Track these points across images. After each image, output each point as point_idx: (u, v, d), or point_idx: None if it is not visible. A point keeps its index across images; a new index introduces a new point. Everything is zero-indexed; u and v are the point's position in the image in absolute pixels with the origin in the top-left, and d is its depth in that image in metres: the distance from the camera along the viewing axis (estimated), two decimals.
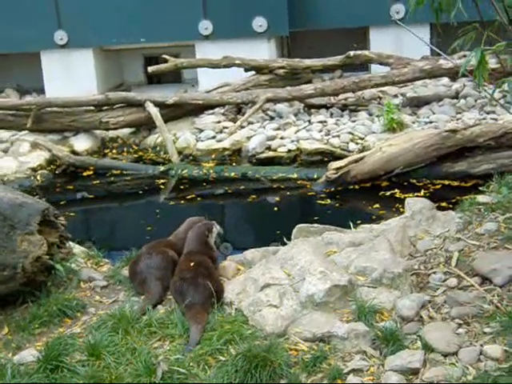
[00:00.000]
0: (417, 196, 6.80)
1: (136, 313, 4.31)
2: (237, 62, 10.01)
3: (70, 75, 12.01)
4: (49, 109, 9.58)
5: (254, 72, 10.25)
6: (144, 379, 3.61)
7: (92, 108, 9.63)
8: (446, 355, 3.69)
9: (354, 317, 4.04)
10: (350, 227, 5.42)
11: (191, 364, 3.81)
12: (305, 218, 6.36)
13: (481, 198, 5.61)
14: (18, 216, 4.50)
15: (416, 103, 9.40)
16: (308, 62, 10.07)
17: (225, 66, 10.14)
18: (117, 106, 9.64)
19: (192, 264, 4.51)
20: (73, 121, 9.56)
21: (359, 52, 9.76)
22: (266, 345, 3.79)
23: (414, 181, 7.24)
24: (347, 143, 8.45)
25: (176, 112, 9.64)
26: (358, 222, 5.78)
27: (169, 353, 3.97)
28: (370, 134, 8.59)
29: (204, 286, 4.32)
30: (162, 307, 4.53)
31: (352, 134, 8.61)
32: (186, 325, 4.14)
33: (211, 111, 9.87)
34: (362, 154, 7.24)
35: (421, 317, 4.04)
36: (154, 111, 9.15)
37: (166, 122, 9.46)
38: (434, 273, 4.57)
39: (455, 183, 7.07)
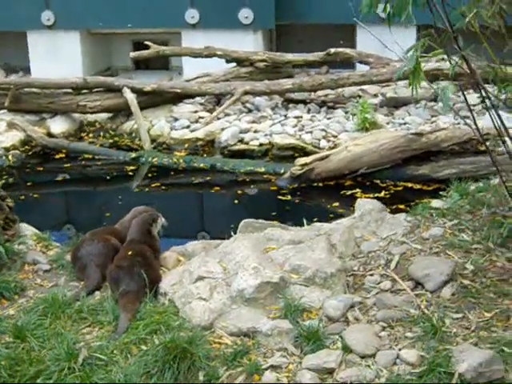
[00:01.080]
0: (377, 197, 6.81)
1: (69, 298, 4.36)
2: (218, 52, 10.03)
3: (56, 56, 12.02)
4: (27, 89, 9.60)
5: (235, 64, 10.26)
6: (63, 363, 3.65)
7: (71, 91, 9.64)
8: (363, 357, 3.73)
9: (282, 314, 4.09)
10: (303, 224, 5.47)
11: (115, 351, 3.85)
12: (262, 212, 6.41)
13: (434, 203, 5.64)
14: None
15: (394, 104, 9.42)
16: (289, 56, 10.09)
17: (206, 56, 10.16)
18: (95, 90, 9.66)
19: (130, 253, 4.55)
20: (50, 102, 9.58)
21: (340, 49, 9.79)
22: (189, 337, 3.84)
23: (378, 181, 7.27)
24: (319, 140, 8.47)
25: (154, 99, 9.66)
26: (315, 219, 5.81)
27: (96, 339, 4.03)
28: (343, 132, 8.61)
29: (139, 275, 4.36)
30: (100, 294, 4.58)
31: (325, 131, 8.63)
32: (117, 312, 4.19)
33: (191, 100, 9.89)
34: (327, 152, 7.28)
35: (347, 318, 4.09)
36: (131, 97, 9.17)
37: (144, 108, 9.50)
38: (371, 275, 4.61)
39: (418, 186, 7.11)
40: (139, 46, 13.05)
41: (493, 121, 4.42)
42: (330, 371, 3.64)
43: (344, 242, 5.01)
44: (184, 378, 3.66)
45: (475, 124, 4.39)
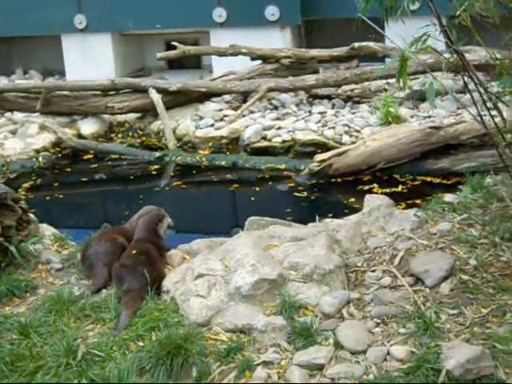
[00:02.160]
0: (394, 192, 6.84)
1: (75, 296, 4.49)
2: (243, 50, 10.10)
3: (89, 59, 12.27)
4: (59, 92, 9.83)
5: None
6: (62, 359, 3.77)
7: (99, 93, 9.84)
8: (354, 353, 3.76)
9: (278, 311, 4.14)
10: (315, 221, 5.50)
11: (113, 348, 3.97)
12: (277, 209, 6.46)
13: (447, 197, 5.61)
14: None
15: (420, 96, 9.33)
16: (314, 52, 10.10)
17: (231, 55, 10.25)
18: (123, 91, 9.84)
19: (134, 252, 4.66)
20: (80, 105, 9.80)
21: (364, 43, 9.74)
22: (184, 333, 3.92)
23: (397, 176, 7.24)
24: (341, 135, 8.47)
25: (181, 99, 9.79)
26: (330, 215, 5.84)
27: (97, 336, 4.15)
28: (366, 126, 8.59)
29: (142, 274, 4.47)
30: (107, 292, 4.70)
31: (348, 126, 8.63)
32: (119, 310, 4.30)
33: (218, 99, 9.98)
34: (345, 148, 7.28)
35: (342, 314, 4.11)
36: (156, 97, 9.31)
37: (171, 108, 9.65)
38: (373, 271, 4.62)
39: (437, 180, 7.05)
40: (172, 45, 13.25)
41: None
42: (320, 367, 3.68)
43: (349, 238, 5.04)
44: (177, 373, 3.75)
45: (500, 115, 4.36)
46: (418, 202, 6.40)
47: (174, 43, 10.65)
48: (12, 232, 4.97)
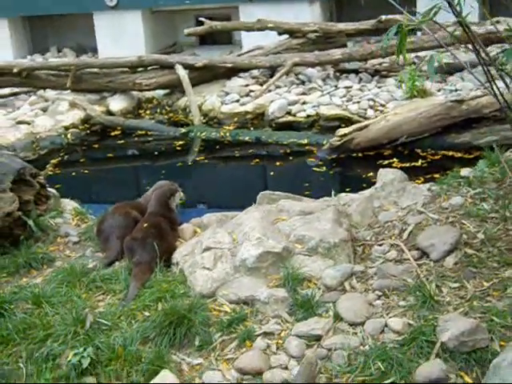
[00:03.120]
0: (413, 166, 6.82)
1: (87, 268, 4.63)
2: (269, 25, 10.10)
3: (120, 36, 12.40)
4: (88, 70, 9.98)
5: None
6: (70, 328, 3.91)
7: (128, 69, 9.96)
8: (352, 325, 3.82)
9: (281, 283, 4.21)
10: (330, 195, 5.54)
11: (121, 317, 4.10)
12: (295, 184, 6.51)
13: (463, 172, 5.59)
14: None
15: (448, 70, 9.22)
16: (340, 26, 10.04)
17: (258, 29, 10.25)
18: (151, 67, 9.94)
19: (145, 225, 4.77)
20: (109, 82, 9.93)
21: (390, 16, 9.64)
22: (188, 304, 4.03)
23: (419, 151, 7.21)
24: (365, 110, 8.45)
25: (207, 75, 9.85)
26: (347, 189, 5.88)
27: (107, 306, 4.28)
28: (391, 101, 8.55)
29: (152, 247, 4.58)
30: (119, 264, 4.83)
31: (374, 100, 8.59)
32: (129, 281, 4.43)
33: (245, 74, 10.01)
34: (366, 122, 7.27)
35: (344, 287, 4.17)
36: (183, 73, 9.39)
37: (198, 84, 9.74)
38: (381, 245, 4.66)
39: (458, 154, 7.00)
40: (201, 22, 13.29)
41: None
42: (318, 338, 3.75)
43: (360, 212, 5.07)
44: (180, 342, 3.86)
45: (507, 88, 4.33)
46: (436, 176, 6.38)
47: (201, 19, 10.69)
48: (31, 206, 5.13)
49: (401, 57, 3.99)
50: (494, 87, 4.48)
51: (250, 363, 3.61)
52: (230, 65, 9.65)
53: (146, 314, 4.09)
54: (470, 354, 3.46)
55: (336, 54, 9.40)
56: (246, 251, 4.34)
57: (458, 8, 4.42)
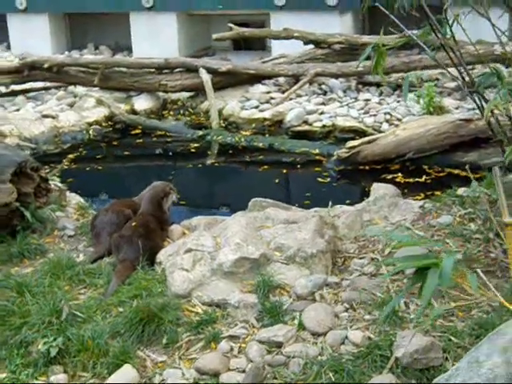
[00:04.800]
0: (417, 182, 6.85)
1: (74, 261, 4.80)
2: (295, 34, 10.20)
3: (155, 37, 12.60)
4: (116, 68, 10.21)
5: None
6: (46, 317, 4.06)
7: (154, 70, 10.17)
8: (314, 334, 3.91)
9: (254, 289, 4.31)
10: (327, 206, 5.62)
11: (97, 311, 4.25)
12: (296, 193, 6.60)
13: (460, 191, 5.63)
14: None
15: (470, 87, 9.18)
16: (365, 38, 10.07)
17: (284, 38, 10.36)
18: (176, 70, 10.12)
19: (134, 224, 4.92)
20: (135, 81, 10.14)
21: (415, 32, 9.62)
22: (161, 303, 4.16)
23: (426, 167, 7.22)
24: (381, 123, 8.49)
25: (231, 80, 9.98)
26: (347, 202, 5.95)
27: (87, 299, 4.44)
28: (408, 115, 8.57)
29: (137, 245, 4.73)
30: (108, 259, 4.99)
31: (390, 114, 8.63)
32: (110, 276, 4.58)
33: (268, 81, 10.12)
34: (375, 136, 7.32)
35: (314, 297, 4.25)
36: (206, 77, 9.55)
37: (222, 88, 9.89)
38: (361, 258, 4.74)
39: (464, 173, 6.99)
40: (238, 26, 13.43)
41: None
42: (279, 345, 3.84)
43: (348, 224, 5.15)
44: (148, 339, 3.99)
45: None
46: (437, 193, 6.40)
47: (229, 25, 10.84)
48: (30, 199, 5.31)
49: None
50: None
51: (208, 364, 3.72)
52: (252, 71, 9.78)
53: (121, 309, 4.24)
54: (423, 372, 3.52)
55: (359, 66, 9.42)
56: (224, 256, 4.45)
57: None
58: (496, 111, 4.68)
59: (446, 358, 3.58)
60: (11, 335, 4.00)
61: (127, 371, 3.70)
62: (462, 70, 4.43)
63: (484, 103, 4.38)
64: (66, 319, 4.08)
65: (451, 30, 4.68)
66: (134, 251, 4.73)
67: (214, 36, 10.77)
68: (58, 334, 3.91)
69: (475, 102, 4.47)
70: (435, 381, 3.07)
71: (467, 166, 5.00)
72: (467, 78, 4.61)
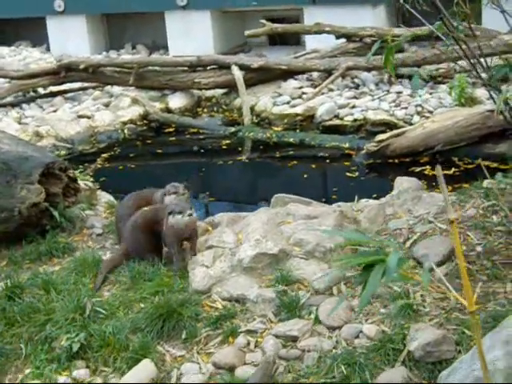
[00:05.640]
0: (445, 175, 6.79)
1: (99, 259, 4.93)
2: (327, 28, 10.17)
3: (190, 35, 12.71)
4: (150, 67, 10.36)
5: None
6: (70, 314, 4.20)
7: (188, 68, 10.28)
8: (329, 328, 3.95)
9: (273, 284, 4.37)
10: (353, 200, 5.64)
11: (119, 307, 4.37)
12: (324, 187, 6.62)
13: (485, 183, 5.59)
14: (21, 167, 5.25)
15: (502, 78, 9.05)
16: (396, 31, 9.98)
17: (315, 33, 10.35)
18: (209, 67, 10.22)
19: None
20: (169, 80, 10.26)
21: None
22: (181, 299, 4.25)
23: (455, 159, 7.17)
24: (412, 116, 8.43)
25: (264, 76, 10.02)
26: (374, 196, 5.97)
27: (110, 296, 4.56)
28: (440, 107, 8.49)
29: (135, 240, 4.92)
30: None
31: (422, 107, 8.56)
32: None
33: (300, 76, 10.13)
34: (403, 129, 7.28)
35: (332, 291, 4.29)
36: (238, 74, 9.62)
37: (254, 84, 9.94)
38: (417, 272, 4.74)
39: (494, 165, 6.91)
40: (272, 22, 13.46)
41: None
42: (294, 339, 3.91)
43: (370, 218, 5.16)
44: (168, 334, 4.09)
45: None
46: (465, 185, 6.35)
47: (262, 21, 10.89)
48: (58, 199, 5.46)
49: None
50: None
51: (224, 358, 3.81)
52: (284, 67, 9.80)
53: (142, 305, 4.34)
54: (435, 365, 3.54)
55: None
56: (243, 251, 4.52)
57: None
58: None
59: (459, 350, 3.59)
60: (36, 332, 4.15)
61: (146, 365, 3.81)
62: (475, 62, 4.37)
63: (497, 95, 4.33)
64: (88, 316, 4.21)
65: (469, 23, 4.63)
66: (128, 244, 4.91)
67: (247, 32, 10.83)
68: (81, 330, 4.04)
69: (490, 94, 4.43)
70: (441, 374, 3.11)
71: (479, 160, 4.93)
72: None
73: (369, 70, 9.62)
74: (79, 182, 6.00)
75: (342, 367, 3.57)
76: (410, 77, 9.68)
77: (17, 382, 3.91)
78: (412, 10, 4.80)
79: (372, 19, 11.27)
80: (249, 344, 3.95)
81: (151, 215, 4.89)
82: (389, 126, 8.42)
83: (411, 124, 8.23)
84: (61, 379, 3.84)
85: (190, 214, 4.68)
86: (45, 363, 3.94)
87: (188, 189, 5.27)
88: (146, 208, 5.03)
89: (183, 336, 4.07)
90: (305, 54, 10.28)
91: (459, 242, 1.52)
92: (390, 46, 3.85)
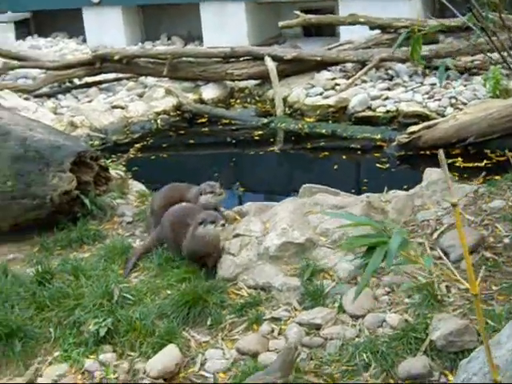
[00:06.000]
0: (476, 167, 6.75)
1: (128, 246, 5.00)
2: (361, 19, 10.12)
3: (224, 26, 12.75)
4: (184, 58, 10.43)
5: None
6: (98, 300, 4.28)
7: (221, 59, 10.32)
8: (353, 317, 3.97)
9: (298, 272, 4.40)
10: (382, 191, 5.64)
11: (147, 294, 4.43)
12: (354, 178, 6.61)
13: None
14: (53, 156, 5.35)
15: None
16: (431, 22, 9.88)
17: (349, 24, 10.30)
18: (243, 58, 10.25)
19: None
20: (203, 71, 10.31)
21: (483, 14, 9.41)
22: (206, 286, 4.31)
23: (488, 151, 7.10)
24: (445, 108, 8.36)
25: (297, 67, 10.01)
26: (405, 187, 5.95)
27: (138, 283, 4.63)
28: (474, 99, 8.41)
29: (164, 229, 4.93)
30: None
31: (456, 98, 8.49)
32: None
33: (334, 68, 10.11)
34: (436, 121, 7.23)
35: (357, 280, 4.30)
36: (271, 65, 9.63)
37: (288, 76, 9.96)
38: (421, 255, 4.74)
39: None
40: (307, 13, 13.42)
41: None
42: (318, 327, 3.94)
43: (398, 209, 5.15)
44: (193, 320, 4.14)
45: None
46: (497, 178, 6.30)
47: (296, 12, 10.87)
48: (90, 187, 5.55)
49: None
50: None
51: (247, 345, 3.86)
52: (318, 58, 9.78)
53: (169, 292, 4.41)
54: (458, 355, 3.53)
55: (424, 50, 9.30)
56: (270, 240, 4.56)
57: None
58: None
59: (482, 341, 3.58)
60: (65, 316, 4.23)
61: (171, 350, 3.86)
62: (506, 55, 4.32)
63: None
64: (116, 301, 4.28)
65: (500, 12, 4.58)
66: (157, 232, 4.95)
67: (281, 23, 10.83)
68: (108, 315, 4.11)
69: None
70: (461, 363, 3.10)
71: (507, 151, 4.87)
72: None
73: (403, 61, 9.55)
74: (111, 171, 6.11)
75: (364, 355, 3.60)
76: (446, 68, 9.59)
77: (46, 364, 3.99)
78: (444, 1, 4.74)
79: (408, 11, 11.17)
80: (273, 331, 3.99)
81: (184, 214, 4.88)
82: (421, 117, 8.36)
83: (444, 116, 8.16)
84: (88, 362, 3.91)
85: (223, 225, 4.57)
86: (73, 347, 4.02)
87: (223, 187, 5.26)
88: (183, 204, 5.01)
89: (208, 322, 4.12)
90: (338, 46, 10.24)
91: (461, 224, 1.53)
92: (417, 35, 3.82)
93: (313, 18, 10.71)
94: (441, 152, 1.61)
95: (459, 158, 6.93)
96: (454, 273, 1.79)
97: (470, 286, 1.54)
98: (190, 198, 5.18)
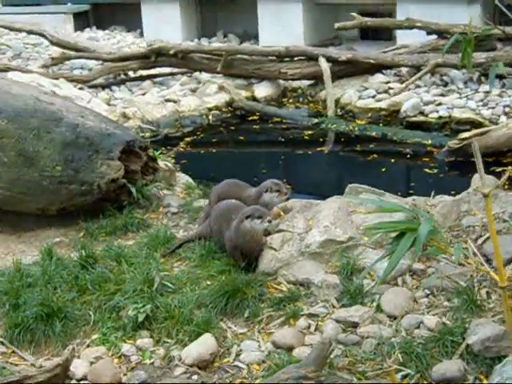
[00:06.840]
0: None
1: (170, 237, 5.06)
2: (418, 24, 10.04)
3: (281, 26, 12.77)
4: (239, 56, 10.49)
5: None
6: (138, 286, 4.34)
7: (275, 58, 10.35)
8: (390, 317, 3.95)
9: (338, 270, 4.39)
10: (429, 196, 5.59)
11: (186, 283, 4.49)
12: (401, 182, 6.55)
13: None
14: (103, 143, 5.45)
15: None
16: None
17: (406, 28, 10.24)
18: (297, 58, 10.26)
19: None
20: (257, 69, 10.36)
21: None
22: (247, 279, 4.33)
23: None
24: (499, 116, 8.24)
25: (352, 69, 9.98)
26: (453, 192, 5.88)
27: (179, 272, 4.69)
28: None
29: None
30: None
31: (510, 107, 8.35)
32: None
33: (393, 71, 10.03)
34: (488, 128, 7.14)
35: (396, 281, 4.27)
36: (325, 66, 9.63)
37: (342, 77, 9.94)
38: (452, 246, 4.68)
39: None
40: (366, 16, 13.35)
41: None
42: (355, 325, 3.92)
43: (443, 214, 5.08)
44: (231, 312, 4.17)
45: None
46: None
47: (352, 14, 10.84)
48: (137, 176, 5.64)
49: None
50: None
51: (283, 338, 3.87)
52: (372, 61, 9.73)
53: (209, 282, 4.45)
54: (494, 360, 3.48)
55: (480, 57, 9.16)
56: (312, 237, 4.56)
57: None
58: None
59: None
60: (105, 300, 4.31)
61: (207, 340, 3.90)
62: None
63: None
64: (156, 289, 4.33)
65: None
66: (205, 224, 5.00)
67: (337, 25, 10.81)
68: (148, 302, 4.16)
69: None
70: (496, 367, 3.07)
71: None
72: None
73: (457, 67, 9.42)
74: (159, 162, 6.19)
75: (399, 355, 3.57)
76: (500, 76, 9.44)
77: (84, 346, 4.07)
78: (503, 8, 4.67)
79: (466, 17, 10.99)
80: (309, 327, 4.00)
81: (229, 209, 4.83)
82: (474, 124, 8.26)
83: (497, 124, 8.04)
84: (125, 347, 3.98)
85: (270, 221, 4.59)
86: (111, 330, 4.09)
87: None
88: (231, 200, 4.97)
89: (246, 314, 4.15)
90: (394, 49, 10.19)
91: (491, 214, 1.52)
92: (468, 37, 3.78)
93: (369, 20, 10.68)
94: (475, 143, 1.60)
95: (509, 167, 6.82)
96: (482, 262, 1.77)
97: (499, 279, 1.52)
98: (245, 197, 5.14)
